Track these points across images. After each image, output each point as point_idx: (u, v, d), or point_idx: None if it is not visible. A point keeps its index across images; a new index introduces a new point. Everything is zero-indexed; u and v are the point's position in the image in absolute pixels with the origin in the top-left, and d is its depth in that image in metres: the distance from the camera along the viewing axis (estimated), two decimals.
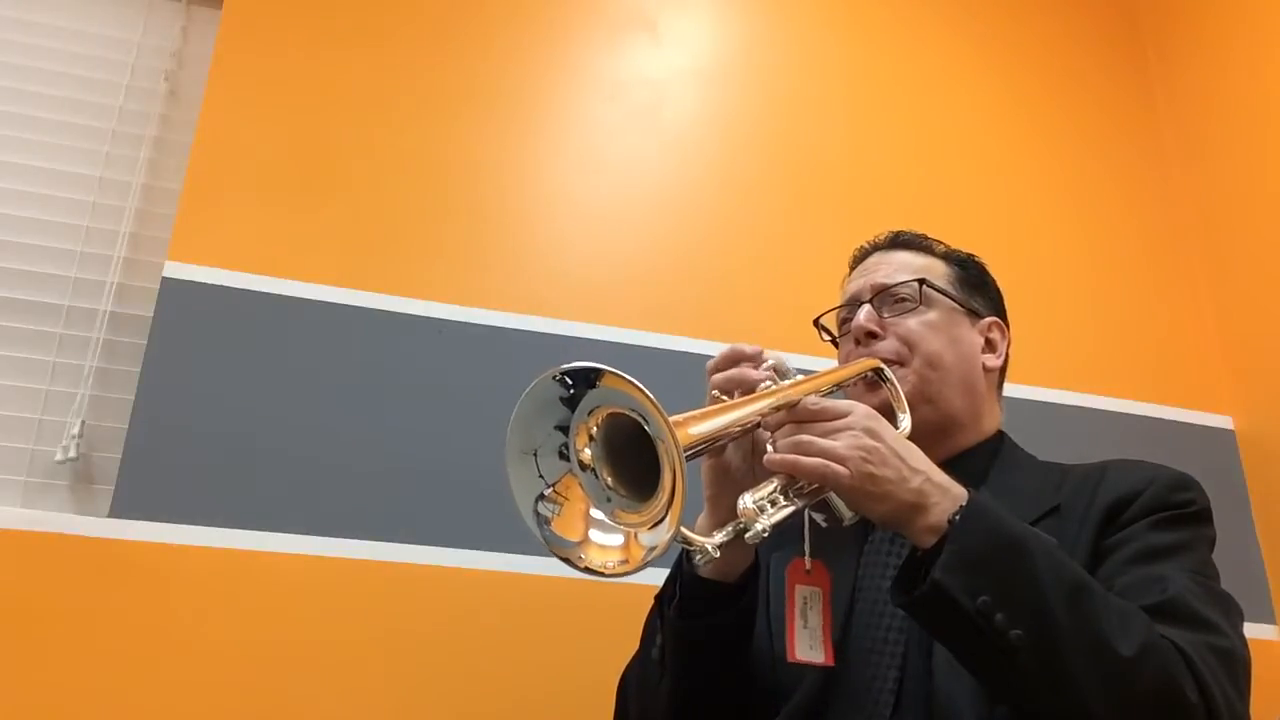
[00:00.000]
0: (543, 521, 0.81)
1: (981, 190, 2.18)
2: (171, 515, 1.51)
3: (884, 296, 1.17)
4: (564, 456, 0.81)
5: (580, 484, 0.81)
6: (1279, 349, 2.04)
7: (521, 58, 1.99)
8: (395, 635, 1.54)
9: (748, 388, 0.95)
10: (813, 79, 2.18)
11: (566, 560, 0.81)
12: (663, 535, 0.75)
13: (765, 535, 0.84)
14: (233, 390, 1.61)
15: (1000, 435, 1.18)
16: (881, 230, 1.27)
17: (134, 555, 1.48)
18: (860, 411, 0.90)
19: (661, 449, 0.75)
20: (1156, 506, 0.98)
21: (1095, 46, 2.43)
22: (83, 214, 1.77)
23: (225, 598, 1.50)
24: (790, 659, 0.96)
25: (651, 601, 1.07)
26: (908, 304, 1.16)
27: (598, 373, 0.77)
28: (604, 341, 1.79)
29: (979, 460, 1.12)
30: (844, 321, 1.22)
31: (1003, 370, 1.22)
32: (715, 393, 0.95)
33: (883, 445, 0.87)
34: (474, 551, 1.60)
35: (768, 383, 0.95)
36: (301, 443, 1.60)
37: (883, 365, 1.11)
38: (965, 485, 0.88)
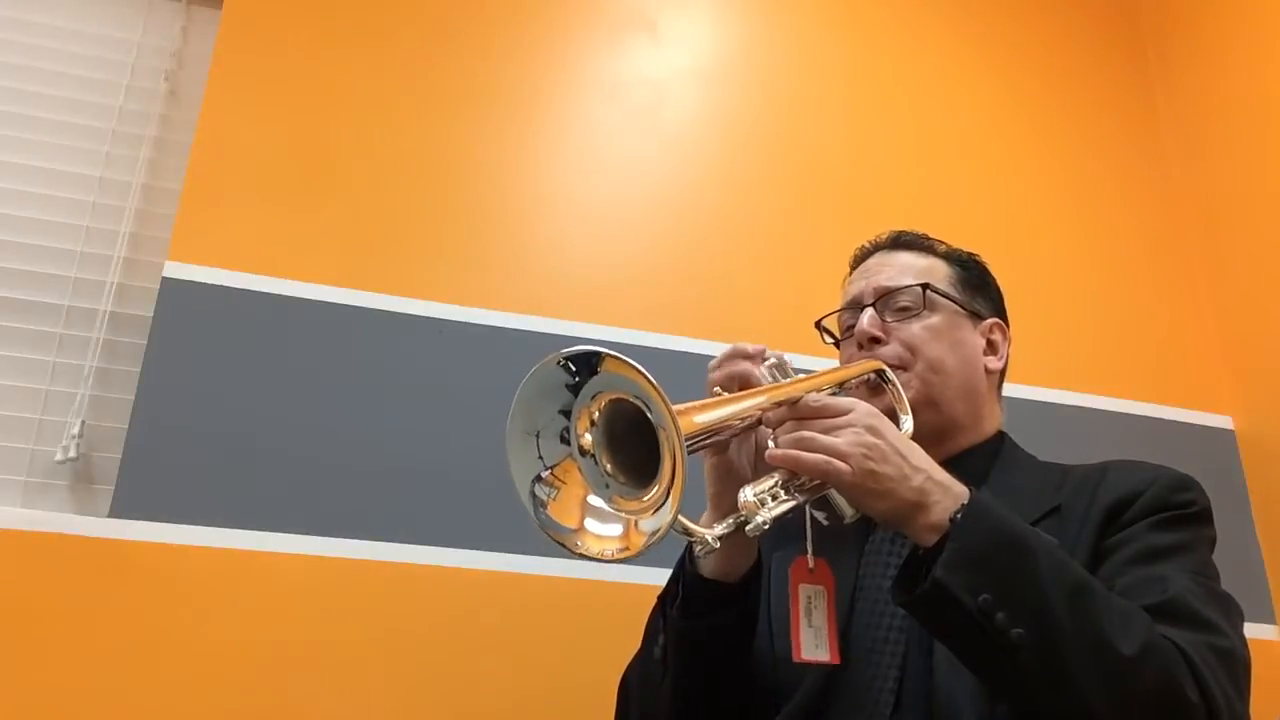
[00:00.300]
0: (539, 504, 0.81)
1: (981, 190, 2.18)
2: (171, 515, 1.51)
3: (886, 300, 1.16)
4: (565, 441, 0.81)
5: (579, 469, 0.81)
6: (1279, 349, 2.05)
7: (521, 58, 1.99)
8: (395, 635, 1.54)
9: (749, 383, 0.95)
10: (813, 79, 2.18)
11: (561, 544, 0.80)
12: (664, 518, 0.74)
13: (765, 528, 0.84)
14: (233, 390, 1.61)
15: (1001, 436, 1.18)
16: (882, 230, 1.27)
17: (134, 555, 1.48)
18: (862, 409, 0.90)
19: (662, 436, 0.74)
20: (1157, 507, 0.98)
21: (1095, 46, 2.43)
22: (83, 214, 1.77)
23: (225, 598, 1.50)
24: (796, 659, 0.95)
25: (651, 601, 1.07)
26: (911, 309, 1.15)
27: (599, 357, 0.76)
28: (604, 342, 1.78)
29: (979, 461, 1.12)
30: (846, 324, 1.22)
31: (1003, 371, 1.21)
32: (716, 389, 0.95)
33: (884, 443, 0.87)
34: (474, 551, 1.60)
35: (769, 379, 0.94)
36: (301, 443, 1.60)
37: (885, 367, 1.10)
38: (967, 484, 0.88)
